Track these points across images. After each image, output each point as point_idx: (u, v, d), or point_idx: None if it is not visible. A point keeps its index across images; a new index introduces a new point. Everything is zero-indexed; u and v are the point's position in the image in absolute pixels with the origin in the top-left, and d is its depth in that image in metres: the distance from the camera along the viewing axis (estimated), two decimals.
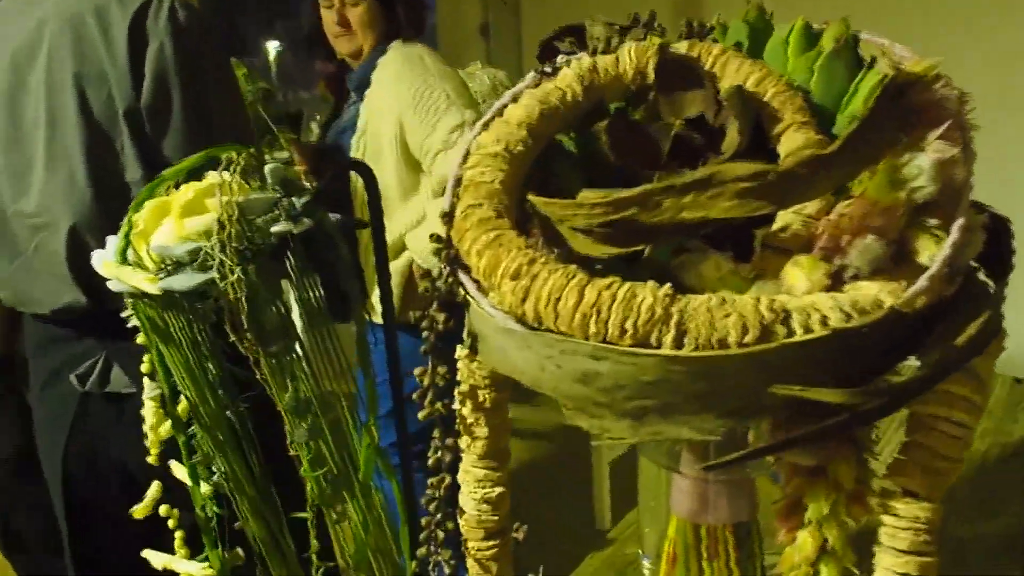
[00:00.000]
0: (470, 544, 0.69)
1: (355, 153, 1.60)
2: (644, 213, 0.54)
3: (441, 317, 0.61)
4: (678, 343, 0.51)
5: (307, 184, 0.88)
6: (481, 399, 0.67)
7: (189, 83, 1.25)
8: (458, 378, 0.68)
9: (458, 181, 0.64)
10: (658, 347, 0.51)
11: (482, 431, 0.68)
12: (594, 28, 2.32)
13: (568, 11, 3.19)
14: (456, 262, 0.61)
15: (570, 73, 0.64)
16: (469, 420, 0.68)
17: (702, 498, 0.67)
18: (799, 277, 0.53)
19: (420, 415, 0.64)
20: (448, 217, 0.62)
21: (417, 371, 0.64)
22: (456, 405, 0.68)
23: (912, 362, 0.51)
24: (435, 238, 0.62)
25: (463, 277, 0.60)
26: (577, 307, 0.52)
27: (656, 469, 0.72)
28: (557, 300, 0.53)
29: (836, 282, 0.54)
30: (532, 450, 2.97)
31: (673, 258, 0.60)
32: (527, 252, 0.55)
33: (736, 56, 0.61)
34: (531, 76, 0.68)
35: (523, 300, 0.54)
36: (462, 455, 0.70)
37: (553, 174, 0.65)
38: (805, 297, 0.52)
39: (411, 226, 1.54)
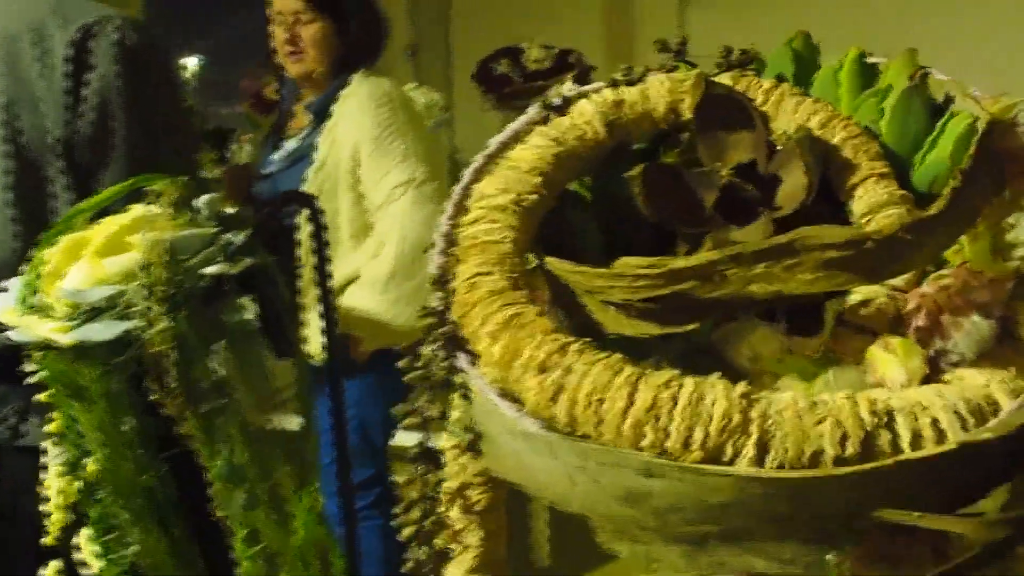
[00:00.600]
0: None
1: (311, 187, 1.46)
2: (703, 287, 0.44)
3: (436, 411, 0.50)
4: (760, 458, 0.40)
5: (245, 217, 0.76)
6: (474, 500, 0.56)
7: (135, 113, 1.11)
8: (445, 474, 0.56)
9: (450, 238, 0.52)
10: (732, 462, 0.41)
11: (475, 539, 0.56)
12: (531, 50, 2.24)
13: (499, 30, 3.10)
14: (455, 344, 0.49)
15: (590, 108, 0.53)
16: (459, 525, 0.56)
17: None
18: (894, 366, 0.43)
19: (403, 533, 0.52)
20: (441, 283, 0.51)
21: (402, 480, 0.52)
22: (443, 508, 0.56)
23: None
24: (425, 311, 0.50)
25: (464, 362, 0.49)
26: (627, 411, 0.41)
27: None
28: (600, 401, 0.42)
29: (933, 370, 0.44)
30: None
31: (713, 328, 0.50)
32: (556, 336, 0.44)
33: (792, 92, 0.51)
34: (534, 110, 0.57)
35: (553, 399, 0.43)
36: (447, 567, 0.58)
37: (565, 225, 0.54)
38: (907, 393, 0.42)
39: (348, 277, 1.41)
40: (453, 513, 0.57)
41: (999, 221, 0.44)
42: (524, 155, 0.52)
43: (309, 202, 1.11)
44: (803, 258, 0.42)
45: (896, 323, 0.46)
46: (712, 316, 0.46)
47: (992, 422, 0.40)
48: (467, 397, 0.49)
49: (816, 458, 0.40)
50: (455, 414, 0.50)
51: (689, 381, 0.42)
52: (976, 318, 0.43)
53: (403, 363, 0.52)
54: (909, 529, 0.45)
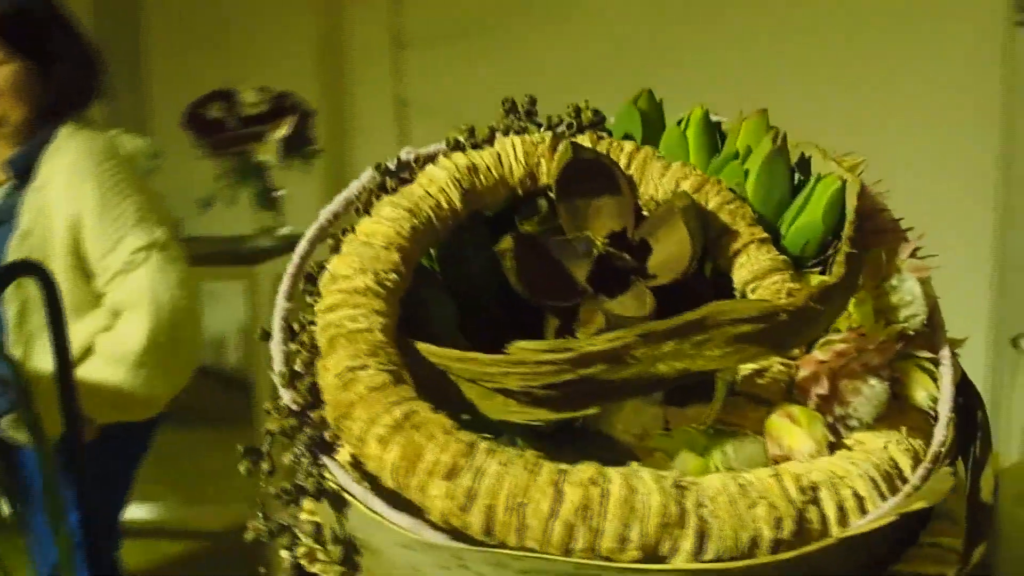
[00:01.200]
0: None
1: (15, 255, 1.27)
2: (611, 369, 0.41)
3: (308, 526, 0.43)
4: (698, 550, 0.38)
5: None
6: None
7: None
8: None
9: (290, 327, 0.47)
10: (668, 558, 0.38)
11: None
12: (245, 94, 2.15)
13: (198, 71, 2.95)
14: (324, 449, 0.43)
15: (442, 175, 0.49)
16: None
17: None
18: (800, 436, 0.42)
19: None
20: (292, 379, 0.45)
21: None
22: None
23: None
24: (285, 411, 0.44)
25: (336, 469, 0.43)
26: (553, 513, 0.38)
27: None
28: (522, 505, 0.38)
29: (833, 436, 0.44)
30: (199, 552, 2.66)
31: None
32: (459, 436, 0.40)
33: (656, 155, 0.49)
34: (368, 175, 0.52)
35: (465, 507, 0.38)
36: None
37: (418, 304, 0.49)
38: (822, 464, 0.41)
39: (77, 354, 1.24)
40: None
41: (879, 284, 0.45)
42: (377, 229, 0.47)
43: (40, 272, 0.99)
44: (713, 334, 0.40)
45: (788, 392, 0.45)
46: (614, 399, 0.44)
47: (922, 490, 0.40)
48: (340, 507, 0.43)
49: (754, 544, 0.38)
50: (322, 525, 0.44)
51: (615, 475, 0.38)
52: (873, 382, 0.43)
53: (245, 466, 0.46)
54: None
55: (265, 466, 0.46)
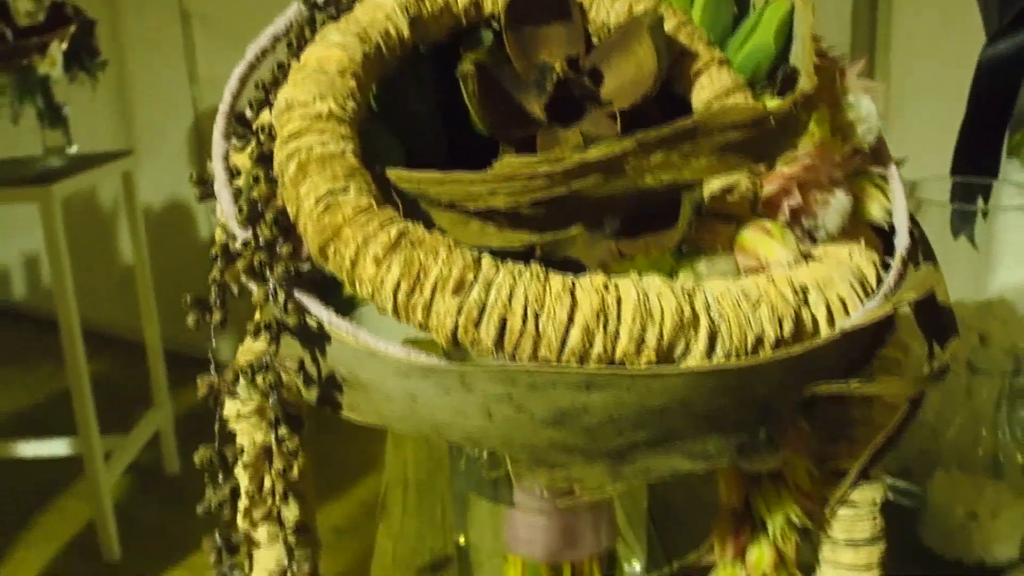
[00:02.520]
0: None
1: None
2: (603, 181, 0.40)
3: (292, 364, 0.40)
4: (709, 351, 0.38)
5: None
6: (285, 468, 0.47)
7: None
8: (238, 446, 0.47)
9: (230, 168, 0.44)
10: (681, 360, 0.38)
11: (291, 512, 0.47)
12: (19, 3, 2.01)
13: None
14: (299, 283, 0.41)
15: (390, 2, 0.46)
16: (274, 530, 0.47)
17: (566, 533, 0.55)
18: (776, 247, 0.43)
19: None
20: (250, 217, 0.42)
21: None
22: (243, 482, 0.47)
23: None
24: (250, 248, 0.41)
25: (312, 303, 0.40)
26: (571, 320, 0.37)
27: (489, 513, 0.57)
28: (538, 314, 0.37)
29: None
30: (16, 486, 2.49)
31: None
32: (462, 251, 0.38)
33: None
34: (294, 10, 0.49)
35: (477, 321, 0.37)
36: (254, 552, 0.49)
37: (366, 142, 0.47)
38: (806, 272, 0.42)
39: None
40: (255, 496, 0.47)
41: (837, 101, 0.46)
42: (329, 55, 0.44)
43: None
44: (701, 143, 0.40)
45: (754, 209, 0.46)
46: (592, 217, 0.43)
47: (909, 283, 0.42)
48: (320, 343, 0.41)
49: (759, 343, 0.39)
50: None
51: (625, 281, 0.38)
52: (838, 193, 0.44)
53: (193, 319, 0.42)
54: (807, 414, 0.46)
55: (217, 316, 0.43)
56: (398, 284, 0.37)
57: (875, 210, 0.46)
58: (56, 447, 2.31)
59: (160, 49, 2.97)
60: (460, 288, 0.37)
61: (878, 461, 0.44)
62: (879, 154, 0.48)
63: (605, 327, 0.37)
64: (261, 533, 0.48)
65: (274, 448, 0.41)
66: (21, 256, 3.70)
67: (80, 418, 2.09)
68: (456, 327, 0.37)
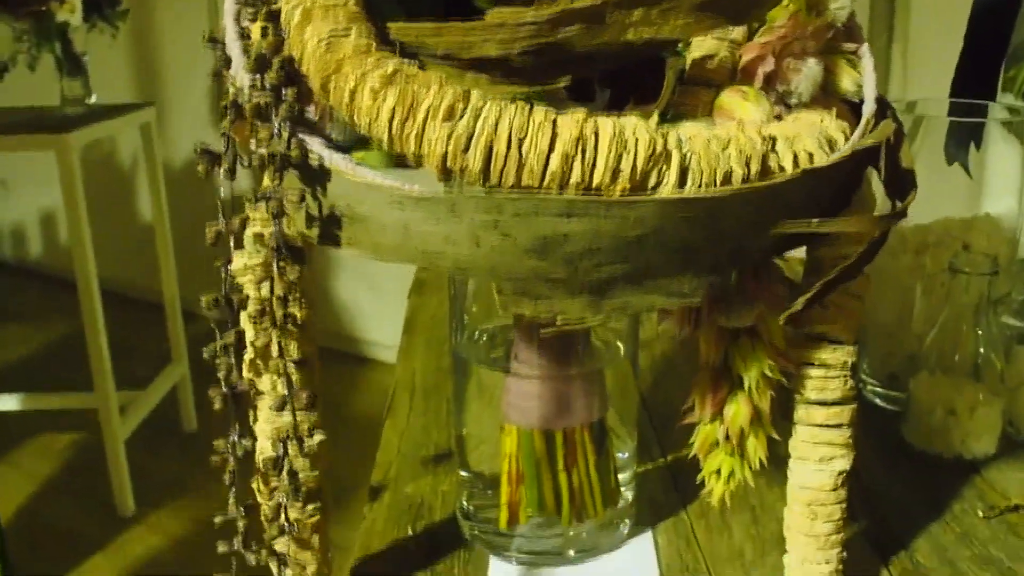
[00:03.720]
0: (290, 514, 0.52)
1: None
2: (587, 33, 0.43)
3: (294, 195, 0.44)
4: (681, 183, 0.41)
5: None
6: (289, 317, 0.50)
7: None
8: (242, 294, 0.50)
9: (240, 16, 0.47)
10: (655, 190, 0.41)
11: (298, 374, 0.51)
12: None
13: None
14: (302, 123, 0.44)
15: None
16: (274, 351, 0.50)
17: (559, 400, 0.58)
18: (750, 108, 0.46)
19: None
20: (259, 64, 0.45)
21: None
22: (248, 333, 0.50)
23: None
24: (258, 88, 0.44)
25: (313, 140, 0.43)
26: (551, 148, 0.40)
27: (483, 377, 0.60)
28: (521, 142, 0.40)
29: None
30: (32, 442, 2.54)
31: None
32: (453, 85, 0.41)
33: None
34: None
35: (466, 148, 0.40)
36: (256, 402, 0.52)
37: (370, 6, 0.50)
38: (778, 126, 0.45)
39: None
40: (261, 340, 0.50)
41: None
42: None
43: None
44: (680, 0, 0.43)
45: (733, 77, 0.49)
46: (575, 71, 0.46)
47: (870, 133, 0.45)
48: (321, 179, 0.44)
49: (727, 179, 0.42)
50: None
51: (604, 116, 0.41)
52: (811, 62, 0.47)
53: (202, 168, 0.45)
54: (768, 272, 0.49)
55: (225, 164, 0.46)
56: (393, 113, 0.40)
57: (846, 83, 0.49)
58: (72, 400, 2.36)
59: (184, 1, 3.00)
60: (450, 116, 0.40)
61: (832, 289, 0.47)
62: (851, 32, 0.50)
63: (583, 155, 0.40)
64: (265, 382, 0.51)
65: (275, 275, 0.44)
66: (39, 213, 3.74)
67: (96, 371, 2.13)
68: (446, 153, 0.40)
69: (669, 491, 0.68)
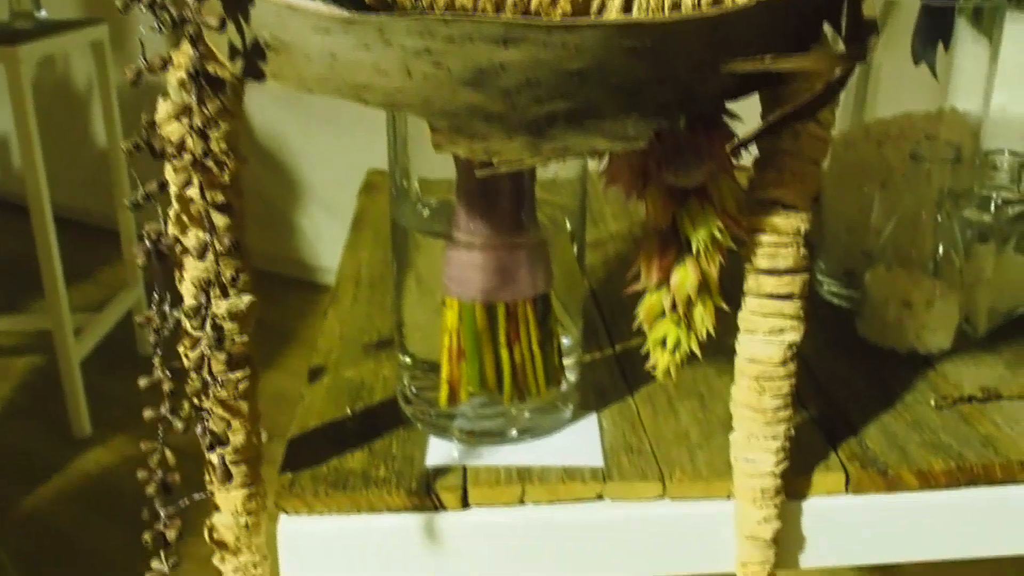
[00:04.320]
0: (213, 368, 0.49)
1: None
2: None
3: (213, 20, 0.40)
4: (626, 6, 0.38)
5: None
6: (209, 154, 0.47)
7: None
8: (165, 141, 0.47)
9: None
10: (600, 15, 0.38)
11: (221, 219, 0.48)
12: None
13: None
14: None
15: None
16: (198, 203, 0.47)
17: (501, 271, 0.55)
18: None
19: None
20: None
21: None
22: (171, 181, 0.47)
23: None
24: None
25: None
26: None
27: (424, 253, 0.58)
28: None
29: None
30: None
31: None
32: None
33: None
34: None
35: None
36: (184, 259, 0.49)
37: None
38: None
39: None
40: (193, 190, 0.47)
41: None
42: None
43: None
44: None
45: None
46: None
47: None
48: (243, 8, 0.41)
49: (676, 5, 0.39)
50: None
51: None
52: None
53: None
54: (719, 128, 0.47)
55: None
56: None
57: None
58: (25, 322, 2.31)
59: None
60: None
61: (785, 126, 0.44)
62: None
63: None
64: (190, 238, 0.48)
65: (193, 107, 0.41)
66: None
67: (49, 293, 2.09)
68: None
69: (616, 379, 0.66)
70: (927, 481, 0.57)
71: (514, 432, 0.59)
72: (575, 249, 0.60)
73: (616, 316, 0.75)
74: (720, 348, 0.54)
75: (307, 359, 0.68)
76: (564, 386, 0.60)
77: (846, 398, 0.64)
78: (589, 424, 0.61)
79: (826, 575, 1.63)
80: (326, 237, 2.86)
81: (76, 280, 2.23)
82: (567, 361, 0.60)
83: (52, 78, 3.27)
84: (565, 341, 0.60)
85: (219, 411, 0.50)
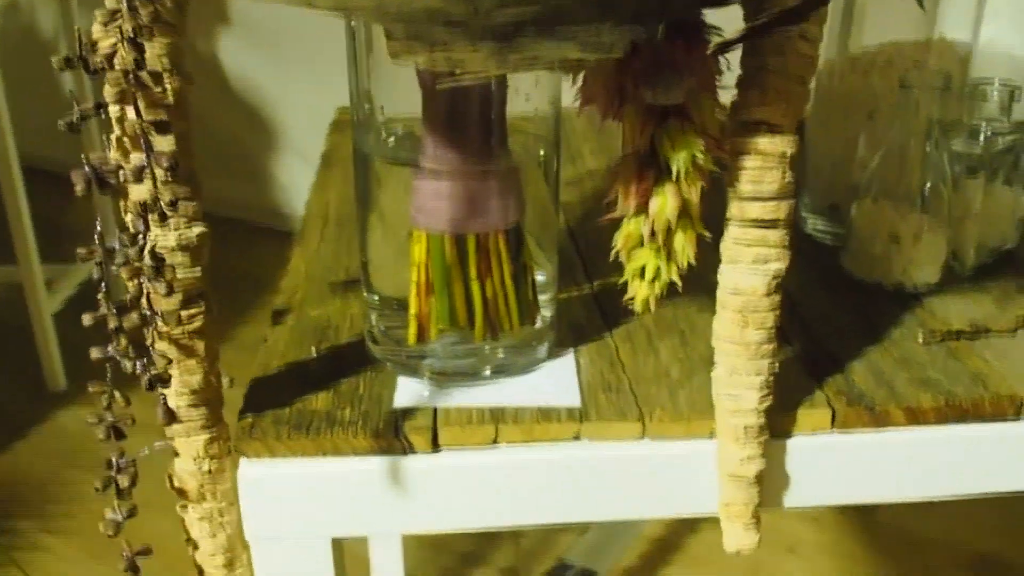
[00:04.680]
0: (166, 316, 0.46)
1: None
2: None
3: None
4: None
5: None
6: (142, 65, 0.43)
7: None
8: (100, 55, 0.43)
9: None
10: None
11: (166, 141, 0.45)
12: None
13: None
14: None
15: None
16: (133, 121, 0.44)
17: (471, 200, 0.52)
18: None
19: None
20: None
21: None
22: (109, 99, 0.44)
23: None
24: None
25: None
26: None
27: (385, 177, 0.55)
28: None
29: None
30: None
31: None
32: None
33: None
34: None
35: None
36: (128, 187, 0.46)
37: None
38: None
39: None
40: (132, 110, 0.44)
41: None
42: None
43: None
44: None
45: None
46: None
47: None
48: None
49: None
50: None
51: None
52: None
53: None
54: (700, 40, 0.44)
55: None
56: None
57: None
58: None
59: None
60: None
61: (766, 33, 0.42)
62: None
63: None
64: (133, 160, 0.45)
65: (124, 12, 0.38)
66: None
67: (18, 244, 2.04)
68: None
69: (594, 317, 0.64)
70: (915, 418, 0.54)
71: (487, 371, 0.57)
72: (548, 182, 0.57)
73: (593, 253, 0.72)
74: (700, 284, 0.51)
75: None
76: (539, 323, 0.58)
77: (831, 335, 0.62)
78: (565, 362, 0.58)
79: (806, 518, 1.63)
80: (301, 185, 2.81)
81: (46, 231, 2.18)
82: (542, 298, 0.58)
83: (17, 25, 3.19)
84: (540, 277, 0.58)
85: (166, 348, 0.47)
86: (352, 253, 0.71)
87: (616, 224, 0.49)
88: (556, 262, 0.59)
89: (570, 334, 0.61)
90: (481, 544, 1.61)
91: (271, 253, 2.65)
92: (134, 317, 0.42)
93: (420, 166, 0.52)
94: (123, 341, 0.42)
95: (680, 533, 1.60)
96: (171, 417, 0.44)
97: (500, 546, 1.61)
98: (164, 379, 0.43)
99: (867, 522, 1.60)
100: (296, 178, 2.82)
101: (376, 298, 0.58)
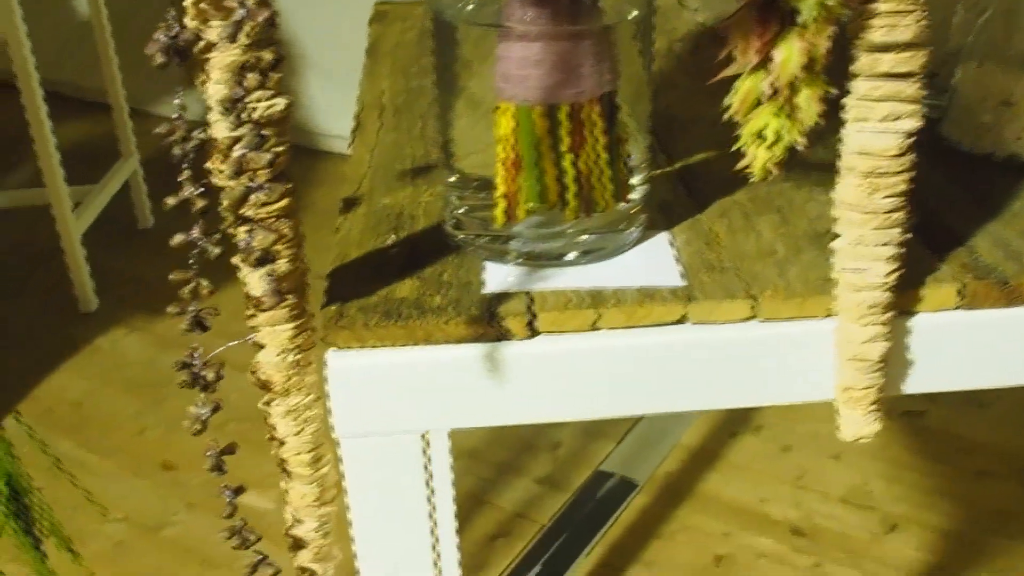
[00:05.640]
0: (271, 188, 0.42)
1: None
2: None
3: None
4: None
5: None
6: None
7: None
8: None
9: None
10: None
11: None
12: None
13: None
14: None
15: None
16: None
17: (562, 66, 0.48)
18: None
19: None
20: None
21: None
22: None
23: None
24: None
25: None
26: None
27: (467, 44, 0.50)
28: None
29: None
30: None
31: None
32: None
33: None
34: None
35: None
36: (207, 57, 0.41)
37: None
38: None
39: None
40: None
41: None
42: None
43: None
44: None
45: None
46: None
47: None
48: None
49: None
50: None
51: None
52: None
53: None
54: None
55: None
56: None
57: None
58: (23, 198, 2.24)
59: None
60: None
61: None
62: None
63: None
64: (213, 29, 0.40)
65: None
66: None
67: (45, 166, 2.00)
68: None
69: (682, 197, 0.59)
70: None
71: (576, 255, 0.53)
72: (641, 47, 0.52)
73: (671, 128, 0.67)
74: (792, 160, 0.47)
75: (312, 223, 0.61)
76: (631, 201, 0.53)
77: (945, 208, 0.57)
78: (659, 243, 0.54)
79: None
80: (321, 102, 2.75)
81: (69, 154, 2.14)
82: (634, 177, 0.53)
83: None
84: (632, 158, 0.53)
85: (261, 233, 0.43)
86: (413, 142, 0.67)
87: (725, 85, 0.45)
88: (649, 137, 0.55)
89: (660, 214, 0.57)
90: (518, 454, 1.59)
91: (295, 171, 2.61)
92: (235, 192, 0.38)
93: (506, 30, 0.48)
94: (228, 218, 0.38)
95: (720, 441, 1.56)
96: (279, 297, 0.40)
97: (537, 456, 1.59)
98: (272, 258, 0.39)
99: (915, 427, 1.54)
100: (315, 94, 2.76)
101: (457, 178, 0.53)
